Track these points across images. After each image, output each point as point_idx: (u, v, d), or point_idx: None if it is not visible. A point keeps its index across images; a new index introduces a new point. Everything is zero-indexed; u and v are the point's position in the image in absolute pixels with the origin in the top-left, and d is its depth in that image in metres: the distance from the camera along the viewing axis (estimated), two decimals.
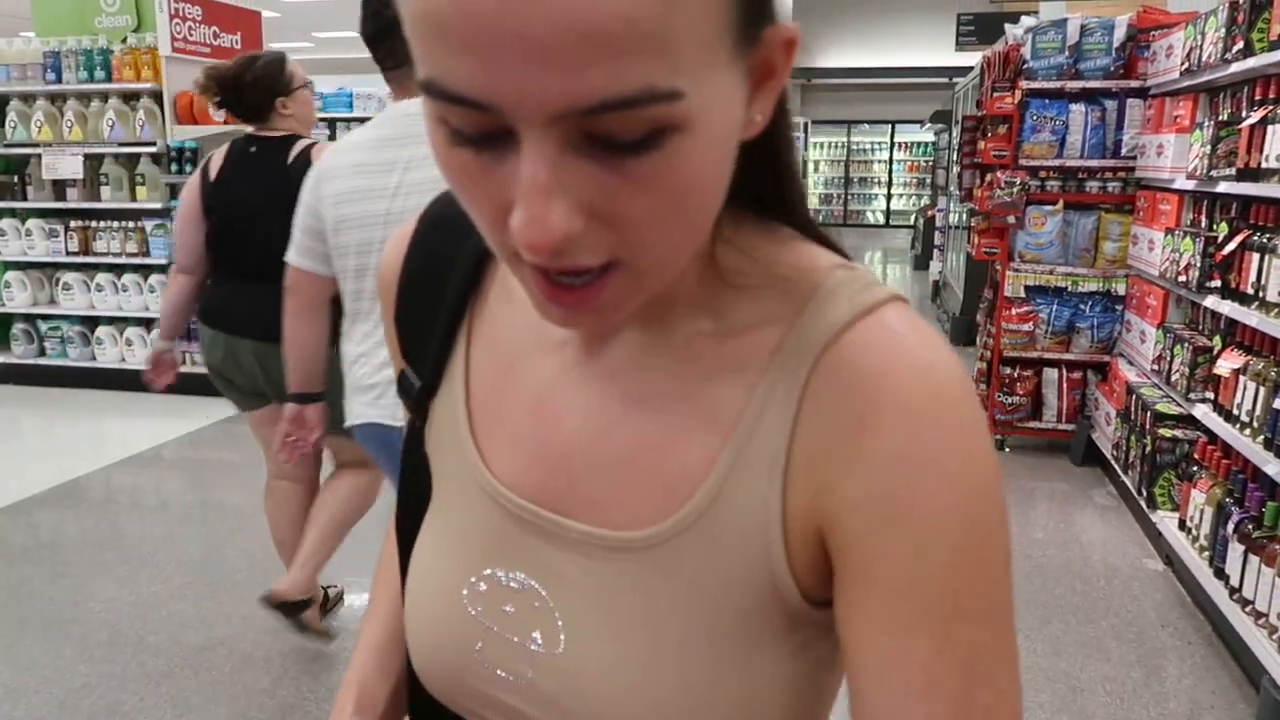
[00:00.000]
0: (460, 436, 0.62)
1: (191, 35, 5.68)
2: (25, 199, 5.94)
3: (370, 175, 1.90)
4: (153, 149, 5.62)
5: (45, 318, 6.08)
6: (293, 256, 2.11)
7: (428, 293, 0.66)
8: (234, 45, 6.04)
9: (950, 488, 0.48)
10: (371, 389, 1.99)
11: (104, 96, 5.72)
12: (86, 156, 5.69)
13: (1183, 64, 3.83)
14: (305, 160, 2.57)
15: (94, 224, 5.86)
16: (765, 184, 0.57)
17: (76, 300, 5.96)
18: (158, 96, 5.61)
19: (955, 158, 7.08)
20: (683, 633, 0.54)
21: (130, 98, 5.71)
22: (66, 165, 5.67)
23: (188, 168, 5.55)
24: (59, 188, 5.89)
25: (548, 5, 0.37)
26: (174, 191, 5.68)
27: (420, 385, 0.65)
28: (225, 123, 5.71)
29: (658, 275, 0.48)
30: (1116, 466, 4.14)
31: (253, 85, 2.65)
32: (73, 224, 5.89)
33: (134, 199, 5.74)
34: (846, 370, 0.51)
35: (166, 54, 5.52)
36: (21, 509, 4.04)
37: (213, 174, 2.74)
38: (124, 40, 5.65)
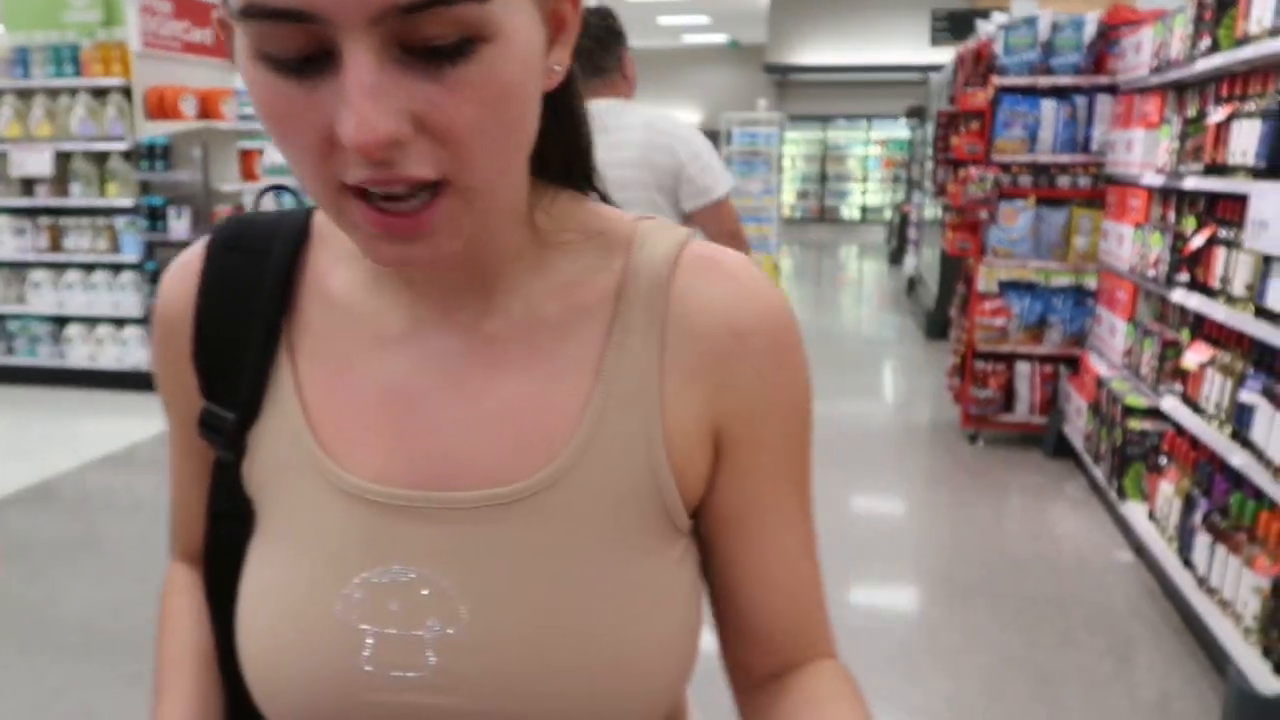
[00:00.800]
0: (307, 451, 0.59)
1: (162, 30, 5.62)
2: None
3: None
4: (122, 145, 5.56)
5: (14, 316, 5.99)
6: None
7: (230, 319, 0.62)
8: (205, 41, 5.98)
9: (801, 371, 0.61)
10: None
11: (73, 92, 5.64)
12: (55, 153, 5.61)
13: (1152, 61, 3.88)
14: None
15: (63, 221, 5.79)
16: (572, 156, 0.63)
17: (45, 298, 5.88)
18: (127, 92, 5.55)
19: (930, 153, 7.13)
20: (585, 567, 0.56)
21: (100, 93, 5.63)
22: (35, 162, 5.60)
23: (158, 164, 5.50)
24: (27, 184, 5.81)
25: None
26: (144, 188, 5.62)
27: (236, 416, 0.61)
28: (197, 119, 5.67)
29: (485, 197, 0.50)
30: (1087, 459, 4.19)
31: None
32: (41, 221, 5.82)
33: (103, 195, 5.68)
34: (698, 294, 0.59)
35: (136, 49, 5.45)
36: None
37: None
38: (93, 35, 5.58)
